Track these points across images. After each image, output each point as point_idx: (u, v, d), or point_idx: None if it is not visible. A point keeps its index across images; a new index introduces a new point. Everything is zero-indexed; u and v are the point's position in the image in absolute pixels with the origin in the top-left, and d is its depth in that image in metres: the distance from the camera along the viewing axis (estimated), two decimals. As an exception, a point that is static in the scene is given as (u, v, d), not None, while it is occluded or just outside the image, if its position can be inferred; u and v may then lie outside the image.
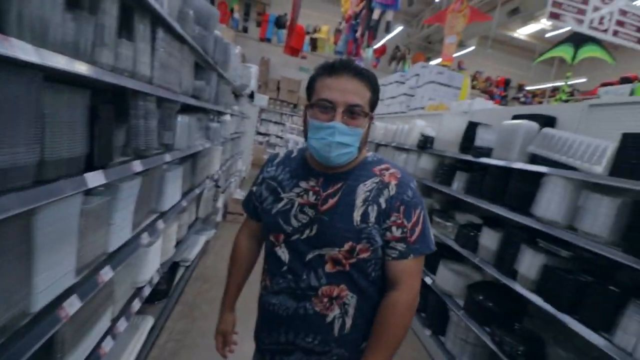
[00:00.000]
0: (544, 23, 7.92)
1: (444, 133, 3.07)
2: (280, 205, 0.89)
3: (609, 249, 1.52)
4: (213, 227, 4.02)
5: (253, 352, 1.06)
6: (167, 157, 1.71)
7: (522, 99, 10.37)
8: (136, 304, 1.63)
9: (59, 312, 0.95)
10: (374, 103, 0.87)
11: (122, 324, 1.48)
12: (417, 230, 0.86)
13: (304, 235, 0.86)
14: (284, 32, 8.58)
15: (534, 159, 2.12)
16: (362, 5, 6.50)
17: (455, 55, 9.53)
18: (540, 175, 1.96)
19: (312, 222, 0.85)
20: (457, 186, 2.84)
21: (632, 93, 2.80)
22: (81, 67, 0.87)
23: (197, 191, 2.63)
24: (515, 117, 2.39)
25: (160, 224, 1.77)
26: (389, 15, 5.91)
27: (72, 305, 1.00)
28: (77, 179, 0.96)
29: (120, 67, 1.16)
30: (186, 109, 2.29)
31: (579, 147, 1.81)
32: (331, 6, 9.74)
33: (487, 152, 2.45)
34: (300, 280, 0.86)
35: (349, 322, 0.87)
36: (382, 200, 0.85)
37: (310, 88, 0.87)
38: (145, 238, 1.57)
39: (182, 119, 1.91)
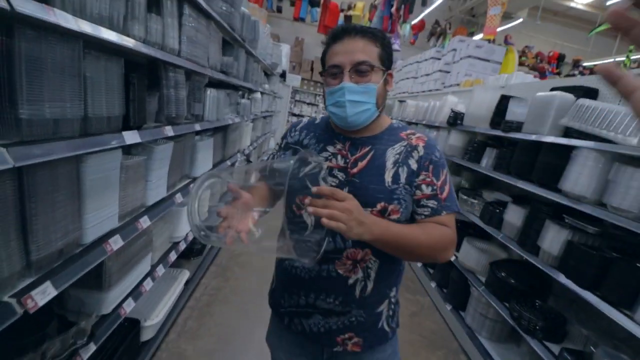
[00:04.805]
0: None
1: (475, 108, 2.96)
2: (307, 168, 0.87)
3: (638, 224, 1.44)
4: (245, 200, 4.27)
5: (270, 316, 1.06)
6: (197, 127, 1.86)
7: (578, 76, 9.40)
8: (173, 256, 1.85)
9: (105, 246, 1.14)
10: (385, 58, 0.85)
11: (160, 270, 1.69)
12: (446, 189, 0.87)
13: None
14: (318, 10, 8.48)
15: (567, 132, 2.02)
16: (399, -22, 6.23)
17: (501, 28, 8.84)
18: (571, 149, 1.87)
19: (342, 184, 0.86)
20: (486, 163, 2.76)
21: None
22: (114, 37, 1.01)
23: (228, 162, 2.82)
24: (553, 90, 2.26)
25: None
26: (427, -13, 5.61)
27: (116, 242, 1.19)
28: (117, 135, 1.12)
29: (150, 40, 1.30)
30: (216, 84, 2.44)
31: (614, 118, 1.70)
32: (368, -19, 9.38)
33: (518, 127, 2.35)
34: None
35: (370, 285, 0.88)
36: (411, 162, 0.86)
37: (323, 60, 0.89)
38: (179, 198, 1.76)
39: (211, 93, 2.06)
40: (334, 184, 0.87)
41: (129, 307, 1.38)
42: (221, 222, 0.71)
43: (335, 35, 0.84)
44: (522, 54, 9.75)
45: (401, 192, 0.85)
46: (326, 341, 0.91)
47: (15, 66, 0.77)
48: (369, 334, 0.92)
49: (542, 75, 9.37)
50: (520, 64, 9.46)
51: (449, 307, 2.78)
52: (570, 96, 2.03)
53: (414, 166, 0.86)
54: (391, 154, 0.87)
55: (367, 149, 0.89)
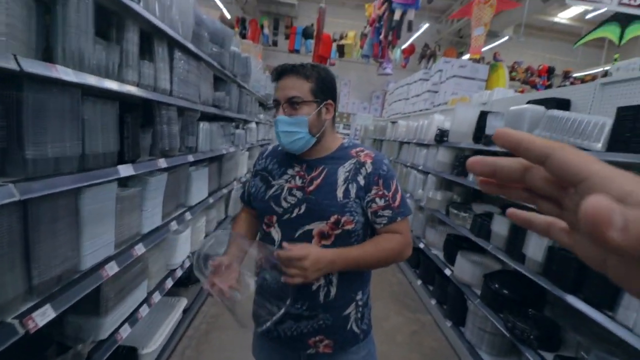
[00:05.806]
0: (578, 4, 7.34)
1: (458, 125, 3.08)
2: (271, 191, 1.01)
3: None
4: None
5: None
6: (191, 158, 2.00)
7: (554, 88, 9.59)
8: (169, 282, 1.93)
9: (101, 272, 1.23)
10: (317, 91, 0.96)
11: (156, 297, 1.77)
12: (398, 197, 0.98)
13: (294, 214, 0.97)
14: (312, 42, 8.92)
15: (542, 142, 2.12)
16: (384, 8, 6.61)
17: (489, 47, 9.19)
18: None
19: (300, 202, 0.96)
20: (472, 176, 2.84)
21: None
22: (108, 84, 1.16)
23: (224, 191, 2.94)
24: (529, 103, 2.38)
25: (188, 216, 2.06)
26: (411, 14, 5.93)
27: (112, 268, 1.28)
28: (112, 169, 1.25)
29: (143, 83, 1.45)
30: (211, 117, 2.61)
31: (579, 125, 1.80)
32: (357, 12, 9.93)
33: (498, 140, 2.46)
34: None
35: (333, 290, 0.97)
36: (360, 178, 0.97)
37: None
38: (174, 226, 1.87)
39: (203, 125, 2.21)
40: (292, 202, 0.99)
41: (125, 332, 1.45)
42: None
43: (276, 75, 0.99)
44: (512, 69, 10.05)
45: (352, 205, 0.95)
46: (299, 344, 0.98)
47: (23, 114, 0.90)
48: (339, 336, 0.99)
49: (534, 88, 9.61)
50: (512, 79, 9.72)
51: (449, 323, 2.77)
52: (540, 108, 2.15)
53: (362, 182, 0.97)
54: (342, 172, 0.99)
55: (320, 168, 1.00)
